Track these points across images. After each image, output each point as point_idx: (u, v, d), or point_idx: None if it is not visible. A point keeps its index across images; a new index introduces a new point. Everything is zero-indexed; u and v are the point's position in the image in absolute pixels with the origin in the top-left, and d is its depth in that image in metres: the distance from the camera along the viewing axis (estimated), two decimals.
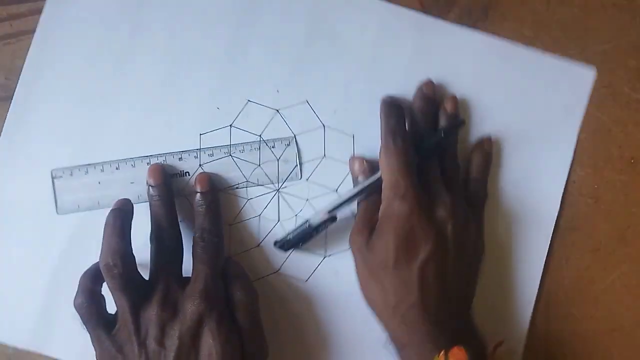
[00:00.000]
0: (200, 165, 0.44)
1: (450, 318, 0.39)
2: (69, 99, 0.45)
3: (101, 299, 0.39)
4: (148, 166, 0.43)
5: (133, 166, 0.44)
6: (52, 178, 0.44)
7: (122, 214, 0.40)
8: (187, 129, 0.44)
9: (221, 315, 0.38)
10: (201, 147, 0.44)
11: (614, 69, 0.47)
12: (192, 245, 0.41)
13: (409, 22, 0.45)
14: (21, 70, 0.45)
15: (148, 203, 0.42)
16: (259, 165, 0.44)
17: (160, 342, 0.37)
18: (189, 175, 0.44)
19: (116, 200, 0.42)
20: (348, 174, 0.45)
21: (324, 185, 0.45)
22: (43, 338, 0.44)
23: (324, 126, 0.45)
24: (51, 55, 0.45)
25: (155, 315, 0.38)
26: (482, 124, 0.45)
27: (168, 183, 0.43)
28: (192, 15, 0.45)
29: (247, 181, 0.44)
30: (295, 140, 0.45)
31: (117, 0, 0.45)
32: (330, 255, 0.45)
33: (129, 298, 0.38)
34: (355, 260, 0.41)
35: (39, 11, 0.45)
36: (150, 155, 0.44)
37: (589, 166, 0.46)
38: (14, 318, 0.44)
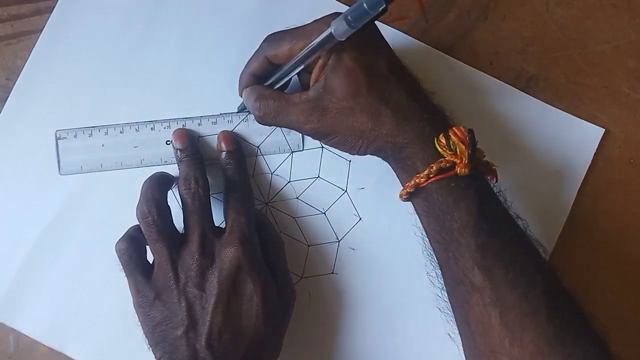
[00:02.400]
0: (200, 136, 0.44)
1: (432, 104, 0.39)
2: (78, 72, 0.46)
3: (143, 247, 0.40)
4: (152, 131, 0.45)
5: (137, 130, 0.45)
6: (56, 139, 0.44)
7: (162, 175, 0.42)
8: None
9: (258, 261, 0.40)
10: (202, 116, 0.45)
11: (614, 69, 0.47)
12: (224, 200, 0.42)
13: (421, 53, 0.46)
14: (22, 70, 0.45)
15: (149, 168, 0.44)
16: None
17: (201, 287, 0.38)
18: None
19: (119, 162, 0.44)
20: (339, 197, 0.45)
21: (313, 206, 0.45)
22: (57, 331, 0.44)
23: (322, 147, 0.45)
24: (62, 39, 0.45)
25: (195, 262, 0.38)
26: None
27: (194, 144, 0.44)
28: (208, 18, 0.46)
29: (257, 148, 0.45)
30: None
31: None
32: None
33: (165, 245, 0.39)
34: (317, 119, 0.39)
35: (39, 12, 0.46)
36: (155, 121, 0.45)
37: (589, 166, 0.46)
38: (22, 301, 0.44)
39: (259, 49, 0.41)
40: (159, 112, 0.45)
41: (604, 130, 0.46)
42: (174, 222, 0.41)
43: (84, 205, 0.45)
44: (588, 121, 0.46)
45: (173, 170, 0.43)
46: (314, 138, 0.41)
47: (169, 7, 0.46)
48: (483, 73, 0.46)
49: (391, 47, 0.40)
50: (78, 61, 0.45)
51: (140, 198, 0.40)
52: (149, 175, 0.41)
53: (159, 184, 0.41)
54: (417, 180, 0.37)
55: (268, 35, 0.40)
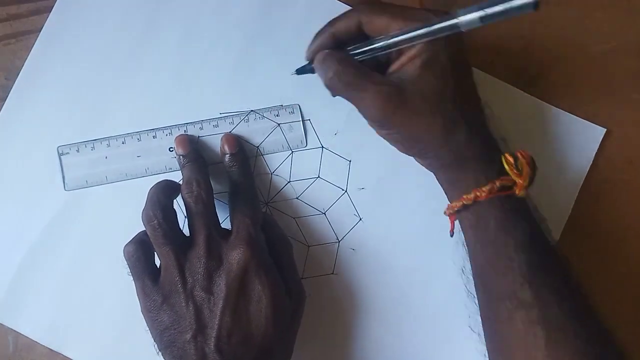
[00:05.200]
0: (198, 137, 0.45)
1: (492, 131, 0.39)
2: (77, 72, 0.45)
3: (151, 250, 0.40)
4: (154, 139, 0.44)
5: (139, 140, 0.44)
6: (59, 154, 0.44)
7: (168, 183, 0.41)
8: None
9: (266, 262, 0.39)
10: (203, 120, 0.45)
11: (614, 68, 0.47)
12: (230, 202, 0.42)
13: None
14: (21, 70, 0.45)
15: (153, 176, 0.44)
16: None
17: (208, 290, 0.38)
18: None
19: (123, 173, 0.44)
20: (339, 197, 0.45)
21: (313, 206, 0.45)
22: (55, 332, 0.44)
23: (322, 147, 0.45)
24: (61, 39, 0.45)
25: (202, 264, 0.38)
26: None
27: (196, 148, 0.44)
28: (208, 17, 0.46)
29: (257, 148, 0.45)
30: (300, 108, 0.45)
31: None
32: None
33: (172, 248, 0.38)
34: (387, 116, 0.37)
35: (38, 11, 0.46)
36: (156, 129, 0.45)
37: (590, 166, 0.46)
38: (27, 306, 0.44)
39: (353, 9, 0.38)
40: (158, 111, 0.45)
41: (605, 129, 0.46)
42: (182, 228, 0.41)
43: (83, 205, 0.45)
44: (588, 121, 0.46)
45: (178, 177, 0.43)
46: (373, 125, 0.39)
47: (169, 7, 0.46)
48: (483, 73, 0.46)
49: None
50: (77, 61, 0.45)
51: (146, 202, 0.39)
52: (155, 182, 0.41)
53: (165, 189, 0.40)
54: (477, 193, 0.36)
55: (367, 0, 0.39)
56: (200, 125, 0.45)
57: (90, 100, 0.45)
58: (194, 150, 0.43)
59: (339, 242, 0.45)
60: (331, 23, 0.39)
